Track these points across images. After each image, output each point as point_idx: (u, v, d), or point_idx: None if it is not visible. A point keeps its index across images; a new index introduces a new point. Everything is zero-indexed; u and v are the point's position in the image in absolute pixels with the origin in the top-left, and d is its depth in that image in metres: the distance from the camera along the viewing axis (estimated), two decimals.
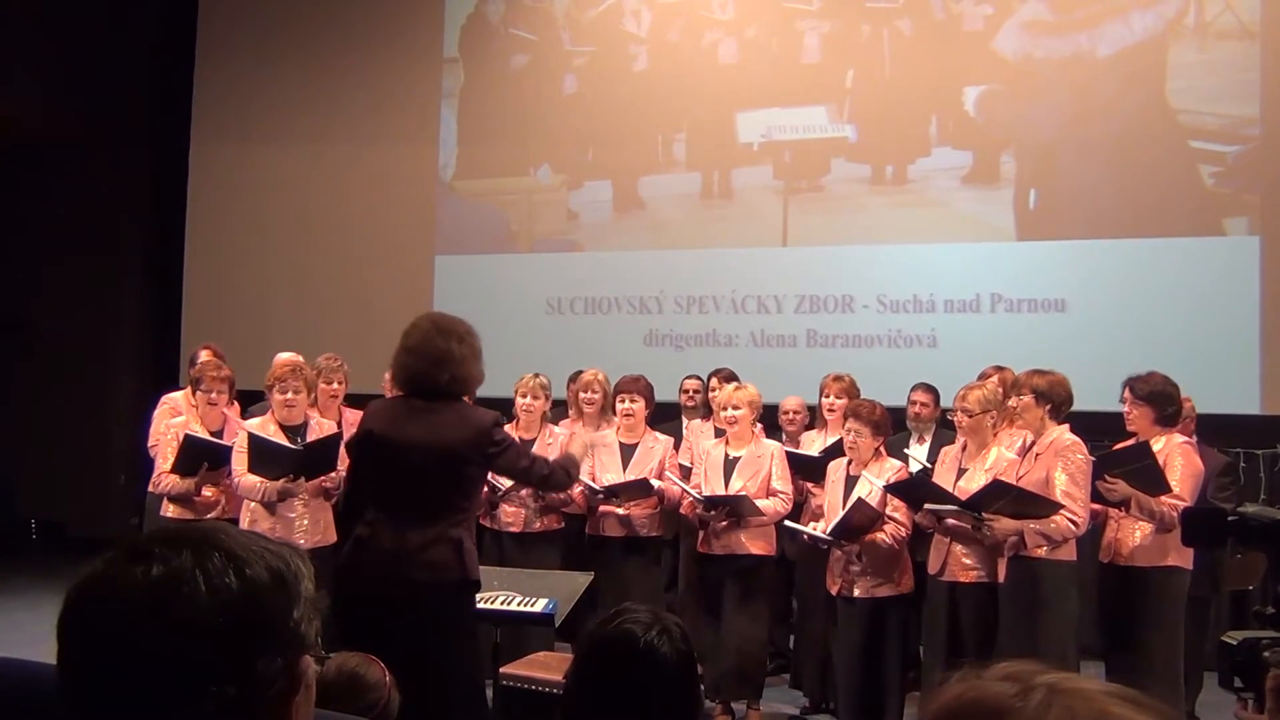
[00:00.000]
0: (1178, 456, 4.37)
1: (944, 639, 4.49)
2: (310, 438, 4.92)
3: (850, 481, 4.75)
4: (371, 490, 3.47)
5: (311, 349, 5.72)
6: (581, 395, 5.69)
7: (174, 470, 4.99)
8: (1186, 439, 4.48)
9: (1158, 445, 4.37)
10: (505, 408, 5.71)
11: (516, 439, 5.34)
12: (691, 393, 6.09)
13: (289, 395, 4.89)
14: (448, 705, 3.20)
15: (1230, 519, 2.50)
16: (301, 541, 4.60)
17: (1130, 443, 4.50)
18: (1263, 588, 5.09)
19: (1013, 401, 4.49)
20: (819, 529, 4.79)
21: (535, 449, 5.39)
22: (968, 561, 4.46)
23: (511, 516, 5.33)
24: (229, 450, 4.98)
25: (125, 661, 0.95)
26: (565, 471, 3.72)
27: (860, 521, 4.59)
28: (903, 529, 4.60)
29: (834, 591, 4.77)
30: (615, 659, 1.82)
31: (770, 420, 5.69)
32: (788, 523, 4.92)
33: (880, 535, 4.59)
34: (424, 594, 3.28)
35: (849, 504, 4.61)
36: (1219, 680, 2.25)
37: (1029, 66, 7.10)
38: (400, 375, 3.54)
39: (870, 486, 4.65)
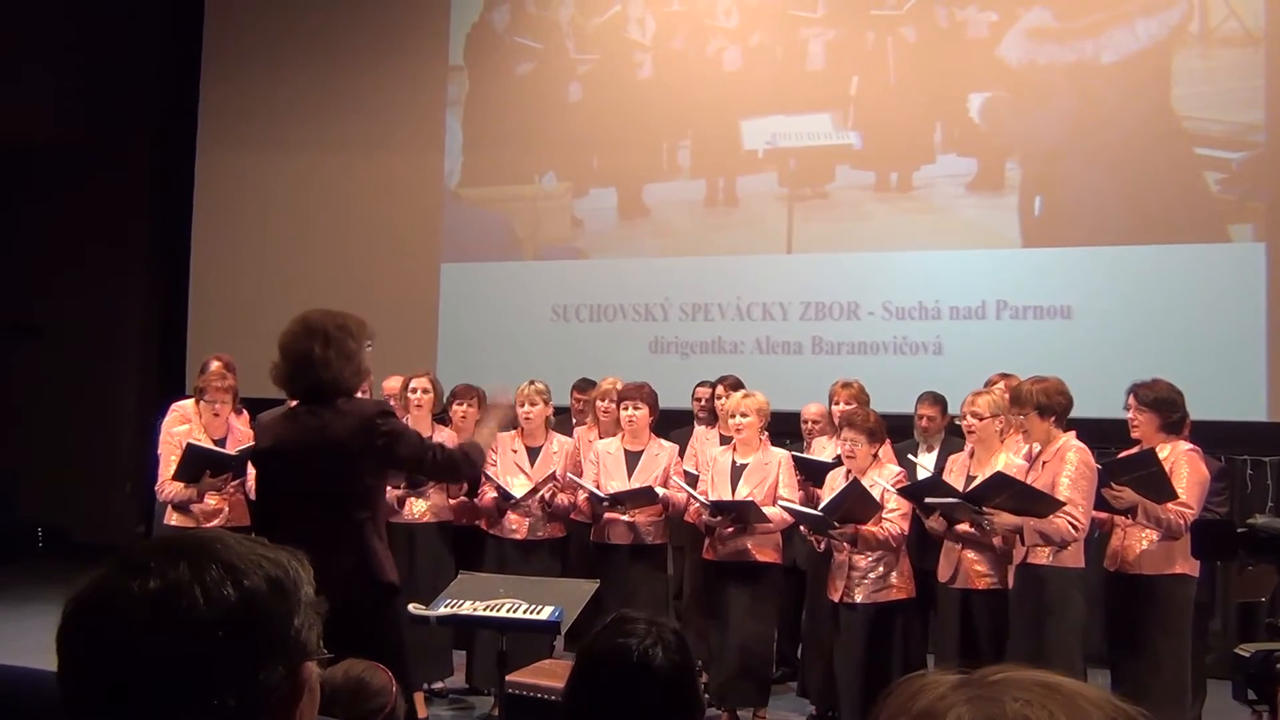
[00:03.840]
0: (1184, 464, 4.35)
1: (956, 647, 4.48)
2: None
3: None
4: (272, 509, 3.36)
5: None
6: (599, 404, 5.69)
7: (176, 478, 5.00)
8: (1192, 446, 4.46)
9: (1163, 452, 4.36)
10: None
11: (519, 446, 5.39)
12: (704, 400, 6.09)
13: None
14: None
15: (1240, 530, 2.48)
16: None
17: (1136, 450, 4.49)
18: (1273, 600, 5.05)
19: (1016, 418, 4.49)
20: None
21: (541, 455, 5.40)
22: (981, 569, 4.45)
23: (515, 523, 5.34)
24: (231, 458, 5.00)
25: (125, 676, 0.94)
26: (466, 457, 3.46)
27: (856, 506, 4.58)
28: (898, 527, 4.61)
29: (835, 598, 4.76)
30: (609, 673, 1.82)
31: (789, 427, 5.68)
32: (783, 502, 4.91)
33: (875, 529, 4.59)
34: (338, 614, 3.04)
35: (846, 484, 4.62)
36: (1232, 693, 2.23)
37: (1033, 73, 7.10)
38: (273, 376, 3.38)
39: (874, 483, 4.65)
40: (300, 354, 3.24)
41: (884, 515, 4.62)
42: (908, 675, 0.85)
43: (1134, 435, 4.52)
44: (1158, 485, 4.27)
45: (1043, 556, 4.26)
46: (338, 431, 3.20)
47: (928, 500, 4.48)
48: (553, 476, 5.31)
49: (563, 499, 5.34)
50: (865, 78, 7.48)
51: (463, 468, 3.55)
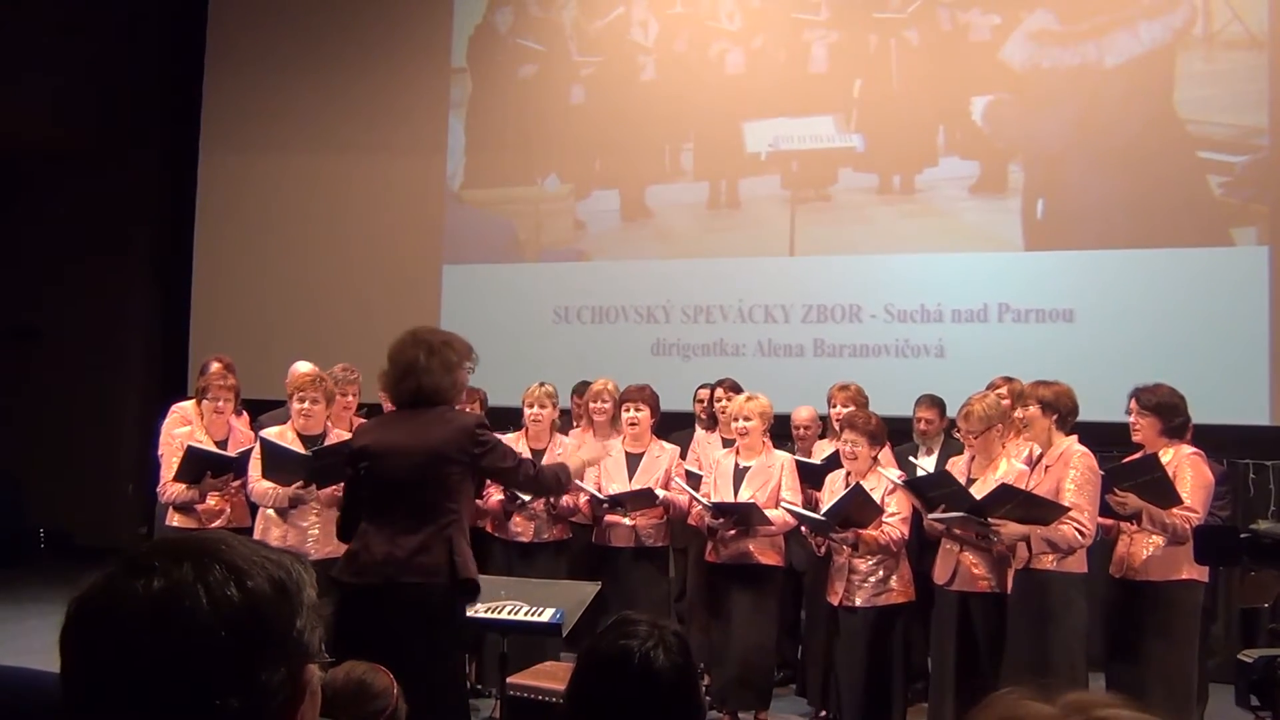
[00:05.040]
0: (1187, 468, 4.34)
1: (953, 649, 4.47)
2: None
3: None
4: (365, 503, 3.58)
5: (319, 358, 5.73)
6: (592, 405, 5.67)
7: (177, 479, 5.01)
8: (1195, 450, 4.45)
9: (1166, 456, 4.35)
10: (514, 417, 5.74)
11: (523, 448, 5.39)
12: (705, 403, 6.08)
13: (306, 405, 4.93)
14: (435, 707, 3.21)
15: (1243, 536, 2.48)
16: (312, 552, 4.60)
17: (1139, 455, 4.48)
18: (1275, 605, 5.04)
19: (1019, 413, 4.47)
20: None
21: (545, 458, 5.40)
22: (978, 572, 4.44)
23: (520, 526, 5.33)
24: (231, 460, 5.01)
25: (127, 676, 0.94)
26: (555, 477, 3.74)
27: (857, 510, 4.58)
28: (898, 531, 4.60)
29: (835, 602, 4.76)
30: (611, 674, 1.83)
31: (782, 430, 5.68)
32: (785, 505, 4.90)
33: (875, 533, 4.59)
34: (417, 598, 3.36)
35: (848, 489, 4.63)
36: (1235, 699, 2.23)
37: (1036, 76, 7.10)
38: (381, 383, 3.73)
39: (874, 486, 4.65)
40: (407, 361, 3.53)
41: (884, 520, 4.62)
42: (997, 693, 0.82)
43: (1135, 439, 4.52)
44: (1162, 490, 4.26)
45: (1045, 562, 4.25)
46: (436, 436, 3.46)
47: (932, 516, 4.46)
48: None
49: (567, 500, 5.34)
50: (868, 80, 7.48)
51: (550, 487, 3.79)
